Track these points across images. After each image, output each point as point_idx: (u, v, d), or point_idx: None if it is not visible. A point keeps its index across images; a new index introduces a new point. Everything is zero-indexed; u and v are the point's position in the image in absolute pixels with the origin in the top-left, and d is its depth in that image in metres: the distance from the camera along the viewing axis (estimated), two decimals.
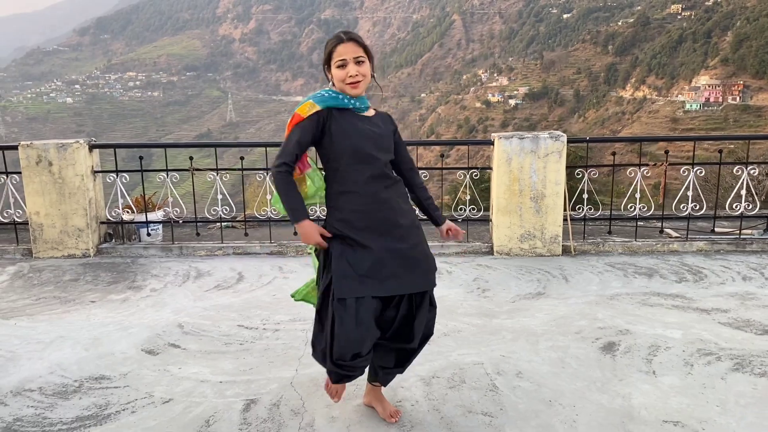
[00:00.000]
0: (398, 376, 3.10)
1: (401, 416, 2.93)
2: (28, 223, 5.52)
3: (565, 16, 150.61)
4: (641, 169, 5.51)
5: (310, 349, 3.22)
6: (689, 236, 5.62)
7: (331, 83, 2.69)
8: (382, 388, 2.99)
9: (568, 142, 5.37)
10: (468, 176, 5.63)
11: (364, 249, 2.55)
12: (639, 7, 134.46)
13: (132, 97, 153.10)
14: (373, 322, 2.59)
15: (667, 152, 5.48)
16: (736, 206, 5.59)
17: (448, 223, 2.99)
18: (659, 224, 5.91)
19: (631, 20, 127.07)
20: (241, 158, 5.54)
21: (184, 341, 3.84)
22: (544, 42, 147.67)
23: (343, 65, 2.57)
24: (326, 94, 2.63)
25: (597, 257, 5.41)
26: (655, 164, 5.54)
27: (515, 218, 5.42)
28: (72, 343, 3.81)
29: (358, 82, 2.59)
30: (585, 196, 5.58)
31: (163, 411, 3.03)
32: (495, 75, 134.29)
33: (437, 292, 4.45)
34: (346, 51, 2.57)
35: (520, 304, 4.39)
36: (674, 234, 5.78)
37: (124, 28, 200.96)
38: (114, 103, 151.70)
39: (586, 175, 5.55)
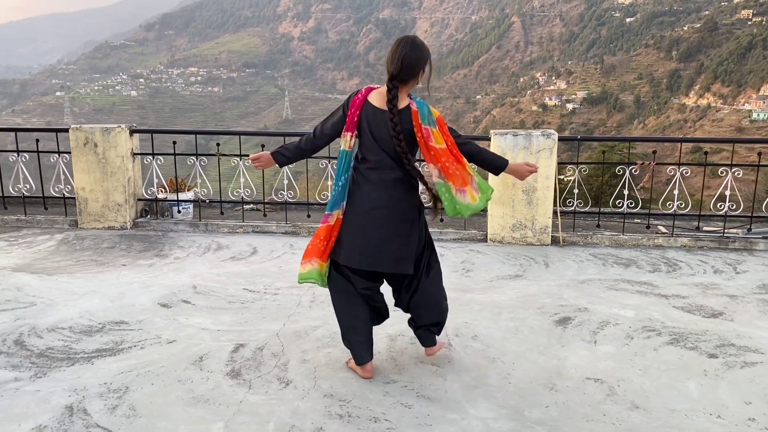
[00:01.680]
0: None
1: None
2: (75, 198, 6.27)
3: (628, 20, 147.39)
4: (630, 168, 5.86)
5: (299, 309, 3.78)
6: (674, 233, 5.94)
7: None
8: None
9: (560, 140, 5.77)
10: None
11: None
12: (707, 12, 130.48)
13: (193, 92, 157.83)
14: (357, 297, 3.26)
15: (654, 152, 5.81)
16: (721, 206, 5.88)
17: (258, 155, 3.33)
18: (666, 222, 6.23)
19: (698, 25, 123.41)
20: (262, 146, 6.14)
21: (194, 299, 4.45)
22: (605, 46, 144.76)
23: None
24: None
25: (583, 248, 5.80)
26: (642, 163, 5.88)
27: (508, 209, 5.85)
28: (101, 296, 4.47)
29: None
30: (575, 191, 5.96)
31: (166, 348, 3.64)
32: (553, 78, 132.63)
33: None
34: None
35: (496, 283, 4.85)
36: (663, 229, 6.10)
37: (188, 24, 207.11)
38: (176, 97, 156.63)
39: (577, 171, 5.93)
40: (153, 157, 6.29)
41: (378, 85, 3.17)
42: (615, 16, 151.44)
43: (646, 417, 2.94)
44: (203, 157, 6.28)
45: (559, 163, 5.88)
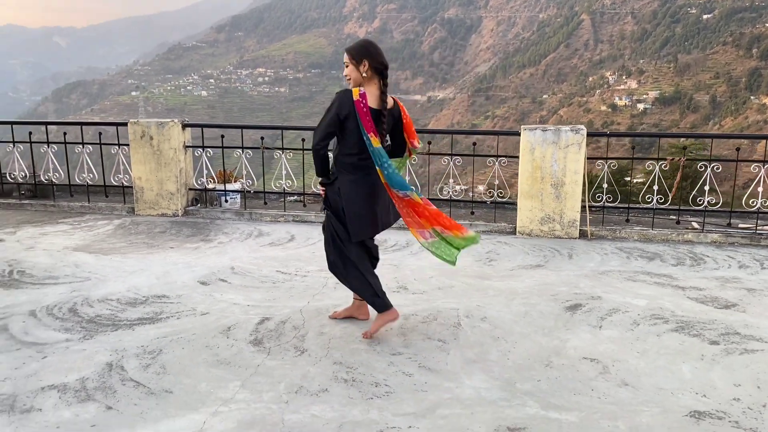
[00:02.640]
0: None
1: (378, 336, 3.72)
2: (132, 187, 6.80)
3: (705, 16, 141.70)
4: (659, 163, 5.91)
5: (324, 290, 4.11)
6: (705, 228, 5.94)
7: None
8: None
9: (589, 135, 5.88)
10: (497, 163, 6.27)
11: None
12: None
13: (260, 92, 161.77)
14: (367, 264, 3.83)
15: (684, 148, 5.84)
16: (753, 202, 5.84)
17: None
18: (695, 218, 6.24)
19: None
20: (302, 140, 6.50)
21: (231, 278, 4.83)
22: (679, 44, 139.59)
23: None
24: None
25: (611, 242, 5.89)
26: (672, 159, 5.91)
27: (536, 202, 6.00)
28: (148, 274, 4.91)
29: (348, 79, 3.65)
30: (604, 185, 6.05)
31: (200, 320, 4.02)
32: (623, 77, 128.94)
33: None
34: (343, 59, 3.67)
35: (516, 272, 5.03)
36: (696, 225, 6.11)
37: (257, 25, 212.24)
38: (244, 97, 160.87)
39: (606, 166, 6.02)
40: (203, 150, 6.75)
41: (351, 87, 3.62)
42: (691, 12, 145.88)
43: (632, 394, 3.10)
44: (249, 150, 6.69)
45: (588, 158, 5.99)
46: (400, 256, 5.41)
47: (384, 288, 4.09)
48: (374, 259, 3.90)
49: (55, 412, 2.90)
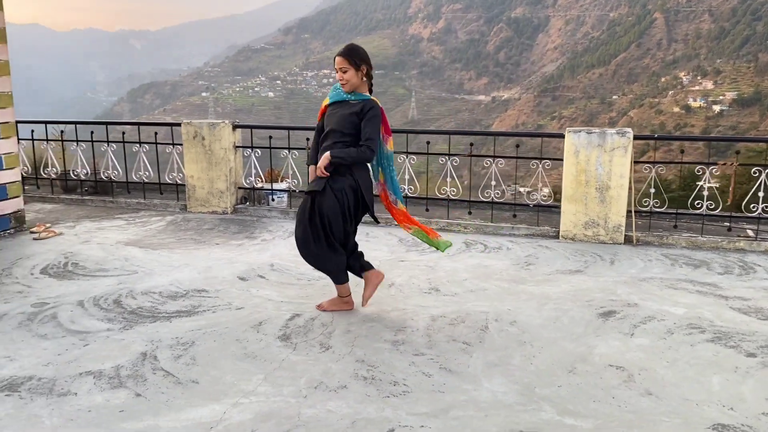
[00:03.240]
0: (412, 314, 4.12)
1: (403, 336, 3.77)
2: (185, 185, 7.07)
3: None
4: (710, 168, 5.70)
5: (357, 289, 4.20)
6: (759, 237, 5.70)
7: None
8: None
9: (636, 138, 5.74)
10: (540, 166, 6.20)
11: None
12: None
13: (325, 93, 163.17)
14: None
15: (738, 152, 5.61)
16: None
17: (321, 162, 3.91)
18: (751, 225, 6.01)
19: None
20: None
21: (269, 274, 4.97)
22: (760, 42, 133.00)
23: (337, 72, 3.90)
24: (333, 92, 4.01)
25: (657, 248, 5.72)
26: (724, 163, 5.69)
27: (580, 206, 5.90)
28: (191, 269, 5.11)
29: (345, 83, 3.90)
30: (652, 190, 5.89)
31: (234, 314, 4.16)
32: (698, 78, 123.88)
33: (485, 261, 5.21)
34: (336, 62, 3.90)
35: (553, 277, 4.96)
36: (750, 233, 5.87)
37: (323, 27, 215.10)
38: (309, 98, 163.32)
39: (654, 170, 5.86)
40: (252, 150, 6.94)
41: (346, 91, 3.97)
42: None
43: (654, 403, 3.03)
44: (295, 151, 6.84)
45: (635, 162, 5.84)
46: (437, 258, 5.42)
47: (417, 288, 4.23)
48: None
49: (89, 396, 3.08)
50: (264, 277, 4.90)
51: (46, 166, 7.66)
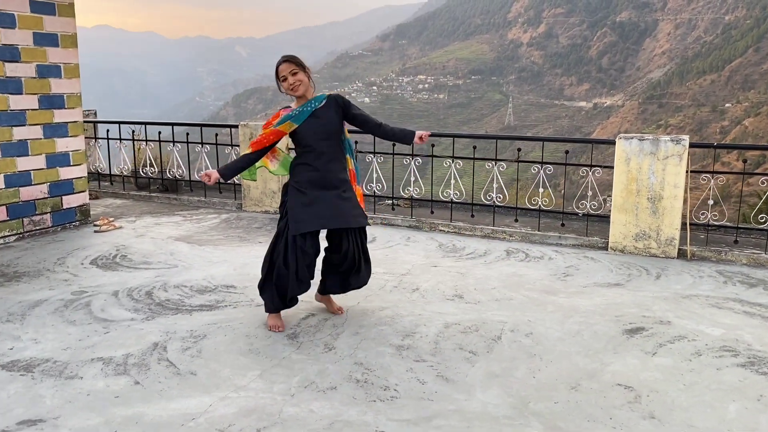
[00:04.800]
0: (426, 320, 4.06)
1: (410, 342, 3.71)
2: (241, 185, 7.30)
3: None
4: None
5: (379, 292, 4.18)
6: None
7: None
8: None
9: (691, 146, 5.38)
10: (591, 173, 5.93)
11: (304, 195, 3.77)
12: None
13: (420, 99, 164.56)
14: (313, 257, 3.84)
15: None
16: None
17: (418, 133, 3.87)
18: None
19: None
20: (393, 145, 6.59)
21: None
22: None
23: (284, 79, 3.78)
24: (294, 115, 3.83)
25: (713, 264, 5.33)
26: None
27: (631, 217, 5.60)
28: (228, 264, 5.26)
29: (297, 86, 3.76)
30: (710, 202, 5.50)
31: (252, 310, 4.24)
32: None
33: (521, 270, 5.07)
34: (283, 69, 3.78)
35: (588, 290, 4.73)
36: None
37: (420, 33, 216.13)
38: (404, 103, 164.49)
39: (712, 181, 5.46)
40: None
41: (299, 93, 3.86)
42: None
43: (654, 427, 2.83)
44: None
45: (691, 171, 5.48)
46: (471, 265, 5.31)
47: (441, 295, 4.16)
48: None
49: (92, 381, 3.23)
50: None
51: (145, 165, 8.09)
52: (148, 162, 8.01)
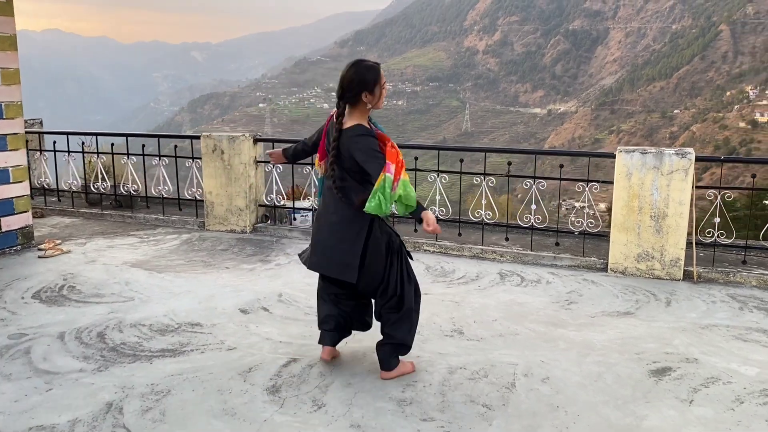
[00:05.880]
0: (427, 363, 3.55)
1: (412, 394, 3.19)
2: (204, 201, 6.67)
3: None
4: None
5: (370, 330, 3.63)
6: None
7: (369, 107, 3.26)
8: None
9: (698, 160, 5.01)
10: (588, 189, 5.51)
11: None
12: None
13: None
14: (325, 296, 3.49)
15: None
16: None
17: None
18: None
19: None
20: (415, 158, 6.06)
21: (274, 307, 4.45)
22: None
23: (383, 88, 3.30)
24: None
25: (722, 287, 4.96)
26: None
27: (633, 236, 5.19)
28: (192, 297, 4.65)
29: None
30: (716, 220, 5.13)
31: (223, 355, 3.65)
32: (767, 92, 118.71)
33: (520, 297, 4.58)
34: (384, 77, 3.31)
35: (598, 320, 4.29)
36: None
37: (378, 40, 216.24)
38: None
39: (719, 197, 5.10)
40: (273, 166, 6.49)
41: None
42: None
43: None
44: (309, 166, 6.33)
45: (697, 187, 5.11)
46: (465, 292, 4.81)
47: (438, 330, 3.61)
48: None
49: None
50: (268, 310, 4.39)
51: (96, 179, 7.34)
52: (100, 176, 7.29)
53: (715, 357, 3.69)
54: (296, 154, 3.67)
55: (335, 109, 3.28)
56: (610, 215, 5.54)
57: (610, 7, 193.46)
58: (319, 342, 3.54)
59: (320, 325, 3.53)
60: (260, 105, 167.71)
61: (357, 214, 3.19)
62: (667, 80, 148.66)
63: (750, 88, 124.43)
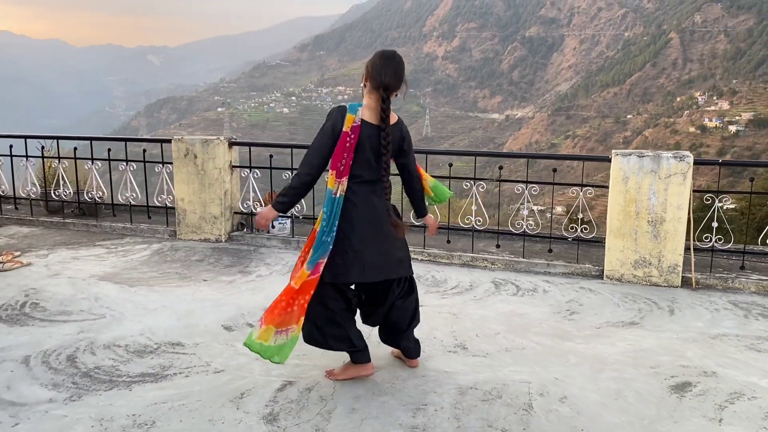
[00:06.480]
0: (434, 384, 3.31)
1: (424, 419, 2.92)
2: (175, 209, 6.28)
3: None
4: None
5: (367, 342, 3.35)
6: None
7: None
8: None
9: (696, 163, 4.88)
10: (581, 193, 5.34)
11: None
12: None
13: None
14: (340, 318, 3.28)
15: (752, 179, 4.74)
16: None
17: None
18: None
19: None
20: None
21: None
22: None
23: None
24: None
25: (721, 293, 4.83)
26: None
27: (629, 242, 5.03)
28: (169, 313, 4.29)
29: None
30: (714, 224, 5.01)
31: (211, 379, 3.32)
32: (714, 98, 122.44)
33: (519, 308, 4.37)
34: None
35: (604, 331, 4.09)
36: None
37: (338, 45, 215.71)
38: (323, 114, 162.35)
39: (717, 202, 4.99)
40: (250, 170, 6.15)
41: (347, 103, 3.19)
42: None
43: None
44: (288, 171, 6.02)
45: (695, 191, 4.98)
46: (461, 302, 4.57)
47: (440, 345, 3.34)
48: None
49: None
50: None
51: (57, 185, 6.85)
52: (62, 182, 6.82)
53: (733, 370, 3.52)
54: (300, 194, 3.25)
55: (351, 115, 3.07)
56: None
57: (565, 15, 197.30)
58: (357, 361, 3.28)
59: (350, 347, 3.24)
60: (219, 109, 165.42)
61: (390, 208, 3.23)
62: (620, 86, 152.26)
63: (699, 94, 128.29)
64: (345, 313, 3.25)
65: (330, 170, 3.12)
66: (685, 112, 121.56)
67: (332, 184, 3.10)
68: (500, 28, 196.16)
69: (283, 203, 3.24)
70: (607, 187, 5.17)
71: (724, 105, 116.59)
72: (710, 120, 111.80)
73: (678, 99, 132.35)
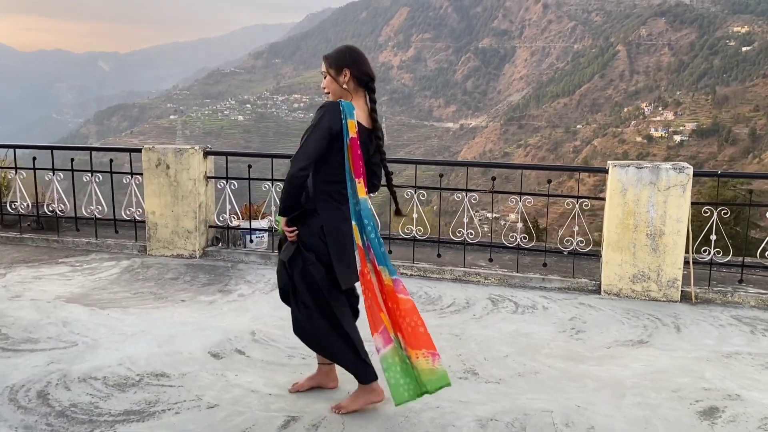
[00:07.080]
0: (451, 415, 3.05)
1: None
2: (145, 222, 5.88)
3: (744, 48, 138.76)
4: None
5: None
6: None
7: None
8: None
9: (695, 175, 4.78)
10: (577, 206, 5.19)
11: None
12: None
13: (295, 118, 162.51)
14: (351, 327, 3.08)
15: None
16: None
17: None
18: None
19: None
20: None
21: (250, 349, 3.81)
22: (717, 76, 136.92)
23: None
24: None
25: (722, 308, 4.73)
26: None
27: (627, 256, 4.89)
28: (149, 339, 3.92)
29: (327, 93, 3.01)
30: (713, 237, 4.92)
31: (205, 415, 3.00)
32: (660, 109, 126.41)
33: (523, 327, 4.15)
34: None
35: (615, 351, 3.91)
36: None
37: (294, 53, 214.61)
38: (279, 122, 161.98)
39: (715, 214, 4.90)
40: (227, 182, 5.81)
41: (331, 99, 2.96)
42: (729, 45, 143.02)
43: None
44: (279, 183, 5.72)
45: (693, 203, 4.88)
46: (461, 322, 4.34)
47: (449, 371, 3.07)
48: (356, 311, 3.16)
49: None
50: (244, 353, 3.74)
51: (12, 198, 6.33)
52: (18, 194, 6.33)
53: (757, 392, 3.37)
54: (298, 197, 2.96)
55: (351, 120, 2.85)
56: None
57: (517, 27, 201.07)
58: (364, 381, 3.00)
59: (364, 361, 2.99)
60: (171, 117, 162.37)
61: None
62: (570, 97, 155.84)
63: (645, 104, 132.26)
64: (349, 325, 3.04)
65: (356, 179, 2.89)
66: (632, 122, 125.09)
67: (363, 192, 2.93)
68: (454, 39, 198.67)
69: (290, 207, 2.95)
70: (603, 199, 5.03)
71: (669, 115, 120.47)
72: (656, 130, 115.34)
73: (625, 109, 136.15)
